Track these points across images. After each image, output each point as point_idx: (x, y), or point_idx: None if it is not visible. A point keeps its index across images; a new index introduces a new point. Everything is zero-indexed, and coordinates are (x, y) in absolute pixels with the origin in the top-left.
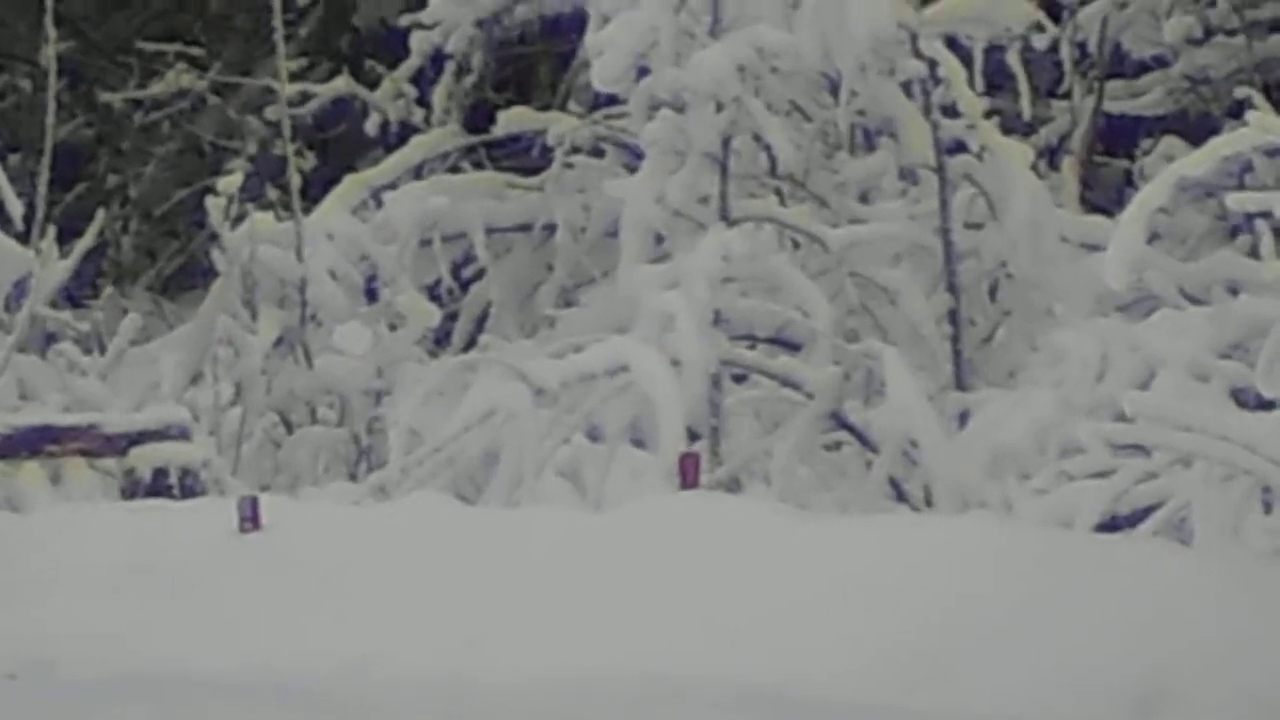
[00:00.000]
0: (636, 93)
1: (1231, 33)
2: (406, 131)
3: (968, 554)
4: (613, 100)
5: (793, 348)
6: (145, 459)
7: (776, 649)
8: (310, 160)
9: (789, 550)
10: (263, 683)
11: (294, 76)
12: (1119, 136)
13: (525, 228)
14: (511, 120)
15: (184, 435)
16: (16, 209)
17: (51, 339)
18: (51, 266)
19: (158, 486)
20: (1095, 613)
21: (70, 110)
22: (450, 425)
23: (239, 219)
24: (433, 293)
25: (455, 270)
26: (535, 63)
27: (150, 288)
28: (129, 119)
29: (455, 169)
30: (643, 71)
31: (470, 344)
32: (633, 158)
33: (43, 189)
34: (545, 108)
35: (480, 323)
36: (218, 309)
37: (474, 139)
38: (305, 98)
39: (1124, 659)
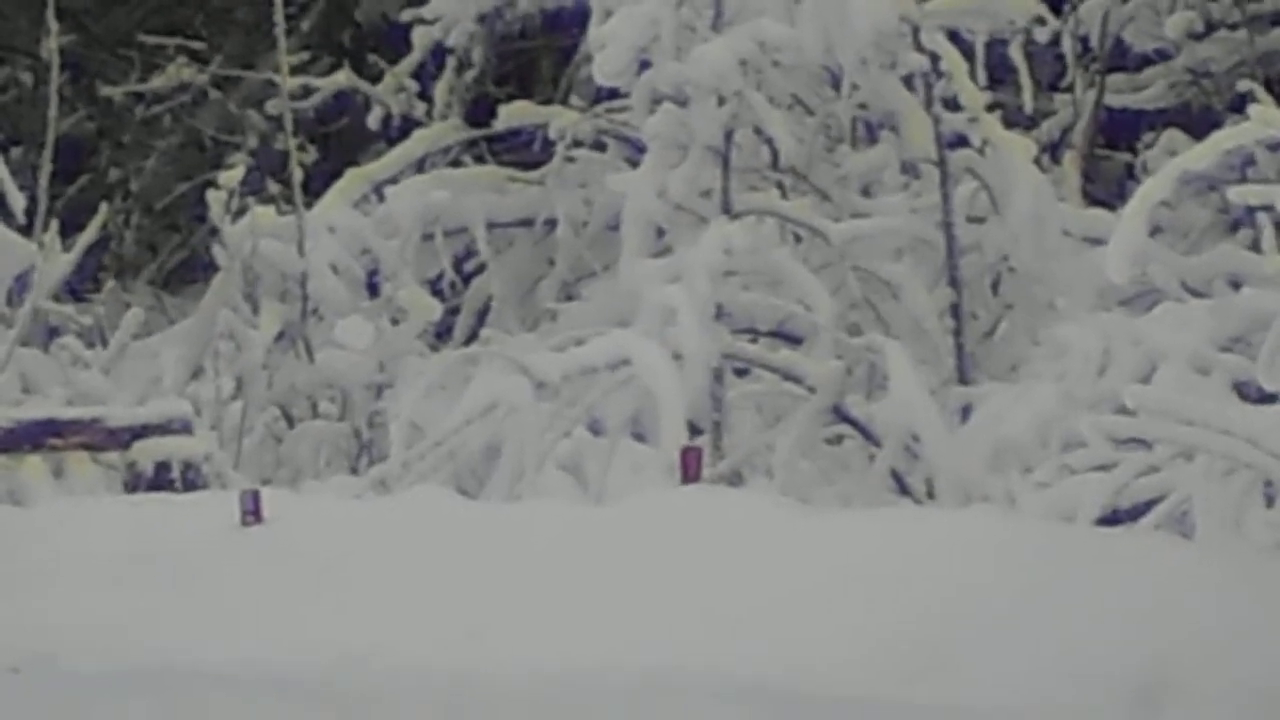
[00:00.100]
0: (638, 86)
1: (1233, 26)
2: (408, 125)
3: (970, 547)
4: (614, 94)
5: (795, 341)
6: (147, 453)
7: (778, 642)
8: (312, 154)
9: (791, 544)
10: (264, 675)
11: (295, 70)
12: (1121, 130)
13: (527, 222)
14: (513, 114)
15: (186, 429)
16: (19, 202)
17: (54, 333)
18: (54, 260)
19: (160, 480)
20: (1096, 605)
21: (72, 104)
22: (451, 419)
23: (240, 213)
24: (434, 287)
25: (457, 264)
26: (537, 57)
27: (152, 282)
28: (130, 113)
29: (457, 163)
30: (644, 65)
31: (472, 338)
32: (634, 151)
33: (44, 182)
34: (547, 102)
35: (482, 317)
36: (219, 303)
37: (475, 133)
38: (307, 92)
39: (1125, 651)
